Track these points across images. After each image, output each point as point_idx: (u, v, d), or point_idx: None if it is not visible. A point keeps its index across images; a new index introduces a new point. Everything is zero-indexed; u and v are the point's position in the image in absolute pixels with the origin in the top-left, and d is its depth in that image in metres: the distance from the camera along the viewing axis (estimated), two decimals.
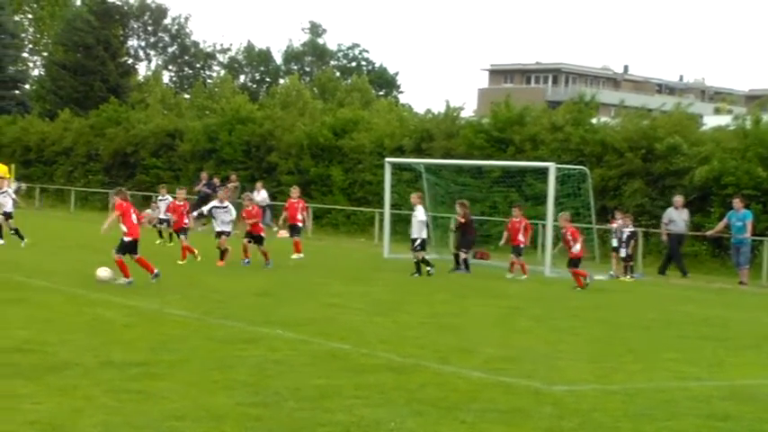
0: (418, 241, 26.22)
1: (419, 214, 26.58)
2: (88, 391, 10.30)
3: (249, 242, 26.57)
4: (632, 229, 29.84)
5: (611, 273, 29.40)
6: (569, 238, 25.21)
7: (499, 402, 10.89)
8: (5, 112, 73.20)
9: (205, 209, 28.34)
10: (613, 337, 16.78)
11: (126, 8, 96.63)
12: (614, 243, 29.96)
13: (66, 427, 8.97)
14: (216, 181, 45.49)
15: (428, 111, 47.34)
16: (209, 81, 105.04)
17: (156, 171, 54.39)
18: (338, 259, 31.08)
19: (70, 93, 73.37)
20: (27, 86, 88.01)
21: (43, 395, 10.03)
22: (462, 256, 28.33)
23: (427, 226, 27.01)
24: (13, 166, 53.88)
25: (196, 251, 26.80)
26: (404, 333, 15.82)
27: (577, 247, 25.04)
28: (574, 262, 25.11)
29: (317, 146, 46.89)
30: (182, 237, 27.43)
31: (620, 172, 35.55)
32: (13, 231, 28.59)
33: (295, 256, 29.24)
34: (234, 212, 27.56)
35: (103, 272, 20.39)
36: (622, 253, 29.47)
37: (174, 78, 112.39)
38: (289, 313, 17.37)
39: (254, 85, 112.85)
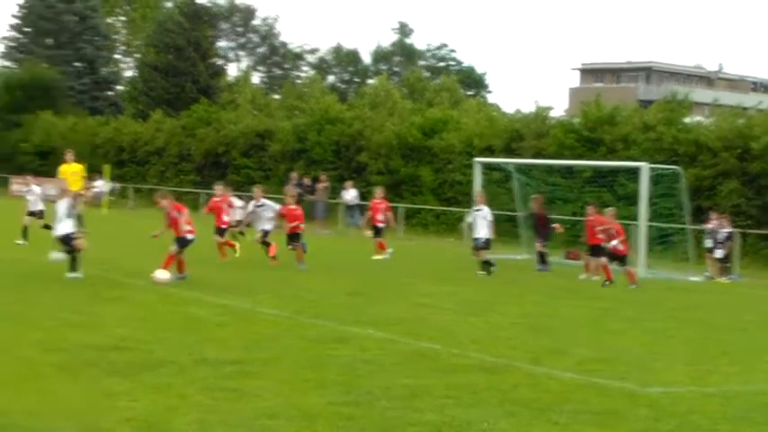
0: (482, 241, 26.13)
1: (486, 214, 26.34)
2: (183, 389, 10.38)
3: (293, 244, 25.96)
4: (729, 230, 29.37)
5: (707, 273, 28.98)
6: (613, 233, 24.97)
7: (592, 404, 10.76)
8: (99, 112, 74.39)
9: (249, 208, 27.98)
10: (709, 338, 16.50)
11: (216, 9, 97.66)
12: (709, 244, 29.49)
13: (162, 425, 9.04)
14: (306, 181, 45.72)
15: (518, 111, 47.13)
16: (298, 81, 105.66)
17: (247, 171, 54.82)
18: (428, 259, 31.05)
19: (162, 94, 74.26)
20: (120, 87, 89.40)
21: (139, 393, 10.13)
22: (538, 248, 28.34)
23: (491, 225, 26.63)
24: (107, 166, 54.77)
25: (237, 245, 26.71)
26: (495, 333, 15.71)
27: (613, 243, 24.80)
28: (613, 256, 24.90)
29: (406, 146, 46.89)
30: (219, 236, 26.66)
31: (714, 172, 35.00)
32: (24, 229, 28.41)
33: (377, 256, 29.40)
34: (274, 208, 27.14)
35: (162, 274, 19.94)
36: (718, 254, 29.02)
37: (263, 79, 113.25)
38: (379, 313, 17.37)
39: (343, 86, 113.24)
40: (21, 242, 27.26)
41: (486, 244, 26.07)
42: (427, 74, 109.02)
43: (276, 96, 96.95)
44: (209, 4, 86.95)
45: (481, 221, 26.14)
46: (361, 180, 46.96)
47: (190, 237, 20.99)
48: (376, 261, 28.84)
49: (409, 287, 22.12)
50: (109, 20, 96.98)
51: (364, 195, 44.02)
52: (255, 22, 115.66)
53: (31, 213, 28.60)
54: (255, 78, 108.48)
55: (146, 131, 62.78)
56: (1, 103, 73.06)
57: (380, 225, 30.52)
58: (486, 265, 25.79)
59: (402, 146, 47.04)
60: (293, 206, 26.68)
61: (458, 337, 14.92)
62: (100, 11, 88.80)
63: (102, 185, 53.18)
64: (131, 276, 20.81)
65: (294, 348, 13.25)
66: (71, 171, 32.49)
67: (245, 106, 75.38)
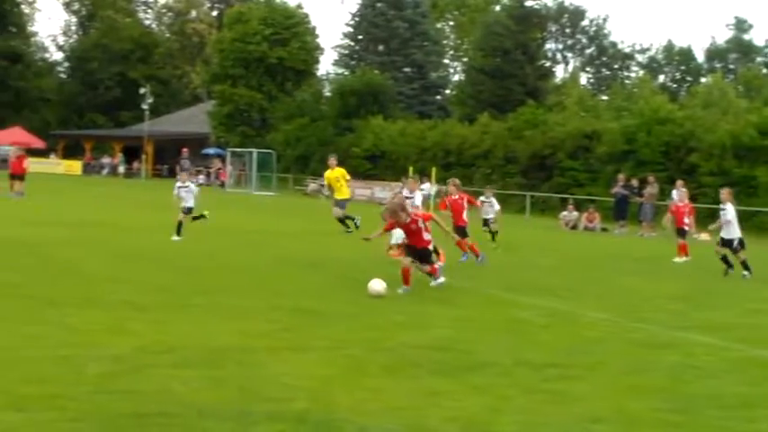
0: (735, 242, 24.75)
1: (728, 213, 24.94)
2: (505, 391, 10.36)
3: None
4: None
5: None
6: None
7: None
8: (427, 116, 76.06)
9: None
10: None
11: (544, 11, 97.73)
12: None
13: (485, 425, 9.05)
14: (634, 182, 45.00)
15: None
16: (627, 82, 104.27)
17: (573, 173, 54.55)
18: (762, 263, 29.77)
19: (489, 96, 75.07)
20: (448, 91, 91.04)
21: (462, 393, 10.19)
22: None
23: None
24: (434, 169, 55.75)
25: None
26: None
27: None
28: None
29: (741, 146, 45.29)
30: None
31: None
32: (199, 216, 28.27)
33: (678, 259, 28.61)
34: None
35: (377, 284, 17.39)
36: None
37: (591, 80, 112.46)
38: (707, 318, 16.80)
39: (675, 85, 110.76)
40: (176, 238, 26.71)
41: (741, 244, 24.85)
42: (765, 71, 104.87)
43: (604, 97, 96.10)
44: (537, 7, 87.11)
45: (730, 220, 24.90)
46: (692, 181, 45.72)
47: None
48: (676, 263, 28.16)
49: (740, 292, 21.32)
50: (438, 25, 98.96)
51: (695, 197, 42.85)
52: (584, 22, 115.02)
53: (189, 210, 27.86)
54: (583, 79, 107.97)
55: (472, 134, 63.64)
56: (334, 108, 76.06)
57: (685, 228, 29.74)
58: (743, 267, 24.57)
59: (736, 146, 45.48)
60: (456, 196, 25.20)
61: None
62: (429, 17, 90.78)
63: (428, 188, 54.24)
64: (457, 277, 21.02)
65: (618, 352, 12.99)
66: (334, 176, 33.20)
67: (573, 108, 75.11)
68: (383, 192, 57.64)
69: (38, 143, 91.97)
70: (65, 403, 8.93)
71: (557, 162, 56.34)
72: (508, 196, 57.12)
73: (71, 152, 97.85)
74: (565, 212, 46.57)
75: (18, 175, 47.41)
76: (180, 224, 27.07)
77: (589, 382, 11.00)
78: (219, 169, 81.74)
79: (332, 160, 34.05)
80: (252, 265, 21.48)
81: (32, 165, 58.78)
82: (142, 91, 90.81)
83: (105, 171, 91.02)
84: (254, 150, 74.53)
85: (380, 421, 8.95)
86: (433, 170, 54.78)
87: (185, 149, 51.11)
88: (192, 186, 28.20)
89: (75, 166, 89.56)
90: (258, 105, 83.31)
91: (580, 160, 55.12)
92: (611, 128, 55.06)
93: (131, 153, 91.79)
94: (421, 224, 18.40)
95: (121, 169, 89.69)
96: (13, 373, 9.98)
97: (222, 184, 77.45)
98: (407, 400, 9.81)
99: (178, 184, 28.41)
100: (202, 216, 28.49)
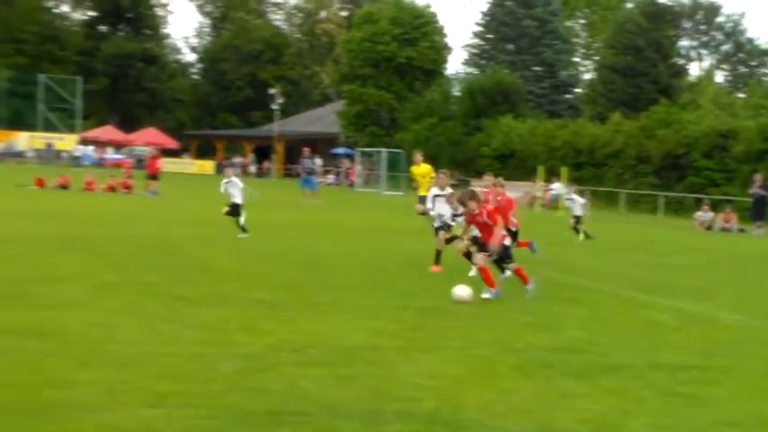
0: None
1: None
2: (638, 393, 10.20)
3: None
4: None
5: None
6: None
7: None
8: (557, 115, 75.48)
9: (429, 197, 24.73)
10: None
11: (678, 8, 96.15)
12: None
13: (617, 428, 8.92)
14: None
15: None
16: (765, 79, 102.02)
17: (708, 173, 53.60)
18: None
19: (620, 95, 74.15)
20: (578, 90, 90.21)
21: (594, 395, 10.05)
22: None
23: None
24: (564, 168, 55.39)
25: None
26: None
27: None
28: None
29: None
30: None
31: None
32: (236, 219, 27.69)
33: None
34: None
35: (462, 290, 16.12)
36: None
37: (727, 77, 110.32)
38: None
39: None
40: (242, 236, 26.36)
41: None
42: None
43: (741, 95, 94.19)
44: (671, 3, 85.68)
45: None
46: None
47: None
48: None
49: None
50: (568, 23, 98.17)
51: None
52: (720, 19, 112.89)
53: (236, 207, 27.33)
54: (719, 77, 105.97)
55: (603, 133, 62.94)
56: (463, 108, 75.94)
57: None
58: None
59: None
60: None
61: None
62: (560, 15, 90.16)
63: (558, 188, 53.92)
64: (588, 278, 20.82)
65: (755, 355, 12.68)
66: (420, 172, 32.57)
67: (708, 106, 73.76)
68: (515, 191, 57.33)
69: (171, 143, 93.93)
70: (199, 401, 9.06)
71: (691, 162, 55.40)
72: (641, 196, 56.35)
73: (203, 152, 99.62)
74: (699, 212, 45.75)
75: (153, 175, 48.46)
76: (239, 222, 26.99)
77: (725, 386, 10.76)
78: (349, 169, 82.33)
79: (418, 156, 33.53)
80: (380, 264, 21.55)
81: (166, 165, 59.96)
82: (272, 91, 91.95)
83: (237, 171, 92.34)
84: (384, 150, 74.80)
85: (510, 422, 8.88)
86: (563, 170, 54.48)
87: (306, 149, 51.32)
88: (236, 181, 28.05)
89: (208, 166, 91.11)
90: (387, 105, 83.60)
91: (715, 159, 54.12)
92: (748, 126, 53.92)
93: (262, 153, 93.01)
94: (486, 218, 16.80)
95: (252, 169, 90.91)
96: (150, 369, 10.16)
97: (351, 184, 77.99)
98: (538, 401, 9.72)
99: (224, 180, 28.33)
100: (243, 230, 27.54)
